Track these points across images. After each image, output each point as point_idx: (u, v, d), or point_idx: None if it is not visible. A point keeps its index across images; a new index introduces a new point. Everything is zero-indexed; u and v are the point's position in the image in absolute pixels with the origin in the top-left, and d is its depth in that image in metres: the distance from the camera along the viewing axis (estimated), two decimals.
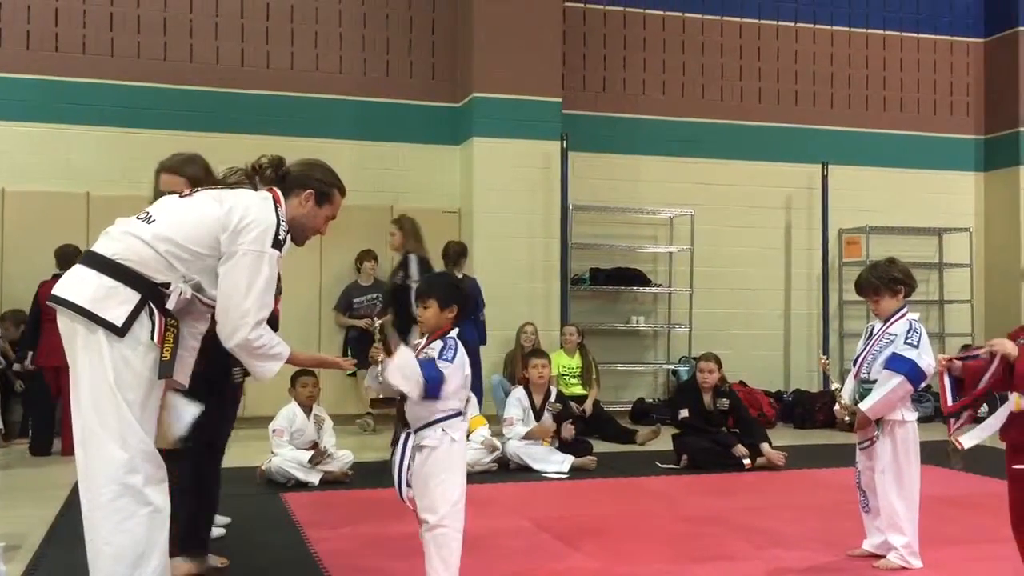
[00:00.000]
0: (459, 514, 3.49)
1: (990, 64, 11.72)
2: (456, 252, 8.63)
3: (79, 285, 2.99)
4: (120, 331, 2.93)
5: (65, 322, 3.02)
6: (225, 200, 3.15)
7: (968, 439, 3.31)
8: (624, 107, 10.57)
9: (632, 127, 10.56)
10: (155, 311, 2.99)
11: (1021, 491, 3.18)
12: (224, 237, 3.06)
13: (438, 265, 8.01)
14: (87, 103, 9.02)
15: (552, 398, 7.13)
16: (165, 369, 3.01)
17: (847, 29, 11.36)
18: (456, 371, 3.48)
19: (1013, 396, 3.10)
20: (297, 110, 9.55)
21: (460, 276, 8.47)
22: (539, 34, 9.74)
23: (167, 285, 3.03)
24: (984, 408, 3.47)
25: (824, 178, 10.82)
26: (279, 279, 3.40)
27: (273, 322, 4.23)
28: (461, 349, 3.53)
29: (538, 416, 6.99)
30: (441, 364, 3.47)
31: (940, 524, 4.78)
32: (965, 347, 11.05)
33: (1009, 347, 3.13)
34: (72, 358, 3.01)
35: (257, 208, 3.14)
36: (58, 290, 3.02)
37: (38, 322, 7.41)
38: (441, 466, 3.47)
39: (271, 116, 9.37)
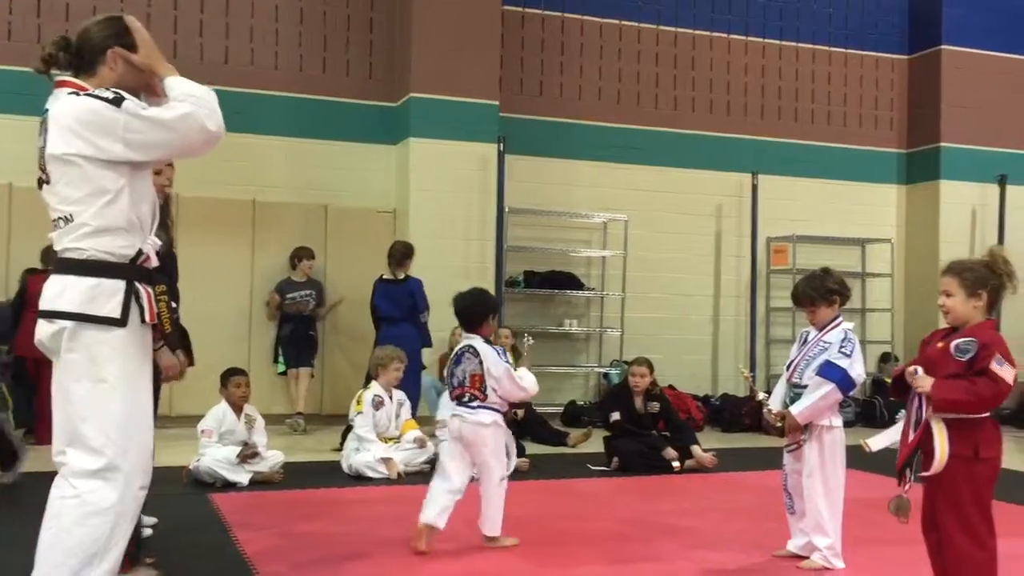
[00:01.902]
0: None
1: (913, 81, 12.09)
2: (400, 253, 8.53)
3: (64, 293, 2.92)
4: (121, 321, 2.89)
5: (47, 326, 2.95)
6: (69, 142, 2.93)
7: (876, 442, 3.42)
8: (561, 112, 10.65)
9: (568, 132, 10.63)
10: (141, 291, 2.94)
11: (929, 496, 3.33)
12: (112, 148, 2.87)
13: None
14: (13, 92, 8.72)
15: None
16: (172, 340, 3.08)
17: (778, 42, 11.61)
18: None
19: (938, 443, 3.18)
20: (231, 105, 9.16)
21: (402, 277, 8.43)
22: (477, 36, 9.75)
23: (140, 254, 2.97)
24: (901, 413, 3.57)
25: (754, 187, 11.04)
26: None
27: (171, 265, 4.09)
28: None
29: None
30: None
31: (862, 526, 4.91)
32: (884, 356, 11.38)
33: (926, 383, 3.20)
34: (59, 357, 2.94)
35: (74, 112, 2.89)
36: (44, 304, 2.95)
37: (20, 311, 7.23)
38: None
39: None
